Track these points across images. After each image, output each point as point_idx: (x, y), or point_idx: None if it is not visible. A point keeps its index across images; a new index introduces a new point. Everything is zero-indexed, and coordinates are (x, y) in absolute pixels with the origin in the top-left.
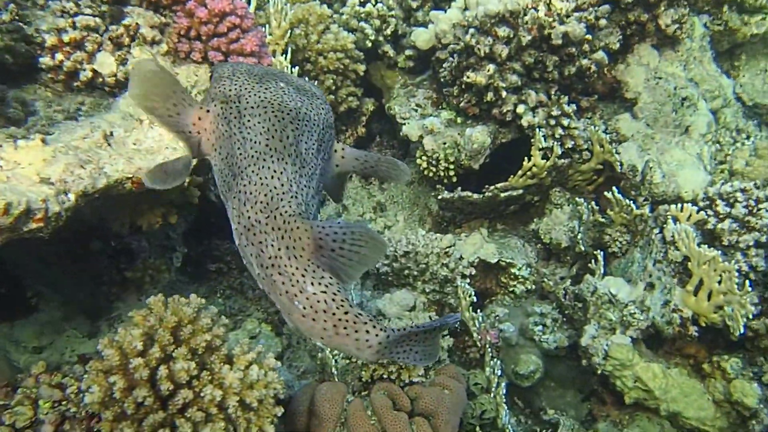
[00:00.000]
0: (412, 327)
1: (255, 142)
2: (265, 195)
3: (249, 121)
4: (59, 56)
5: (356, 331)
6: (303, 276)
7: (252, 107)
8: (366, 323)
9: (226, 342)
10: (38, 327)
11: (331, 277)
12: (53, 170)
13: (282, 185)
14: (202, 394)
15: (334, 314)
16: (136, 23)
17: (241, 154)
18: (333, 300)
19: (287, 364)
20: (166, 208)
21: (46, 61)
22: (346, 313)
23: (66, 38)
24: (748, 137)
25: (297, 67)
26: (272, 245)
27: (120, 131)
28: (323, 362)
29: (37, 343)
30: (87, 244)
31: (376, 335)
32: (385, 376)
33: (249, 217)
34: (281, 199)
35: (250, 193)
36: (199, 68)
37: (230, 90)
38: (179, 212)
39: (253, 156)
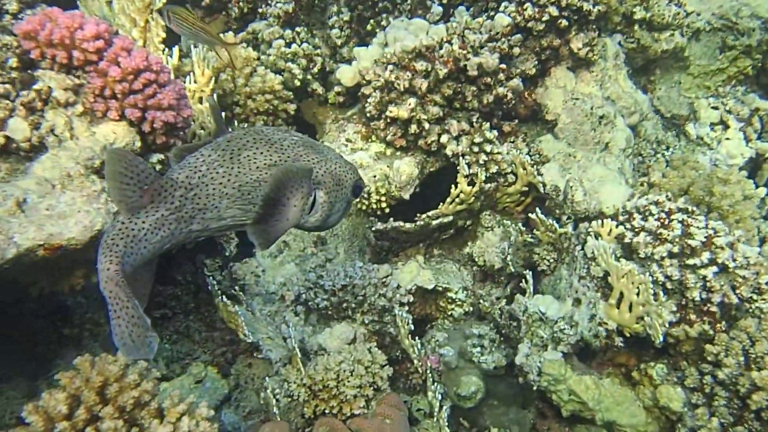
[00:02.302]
0: (131, 298)
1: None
2: (180, 167)
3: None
4: None
5: (102, 254)
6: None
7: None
8: (110, 249)
9: (156, 396)
10: None
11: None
12: None
13: (195, 162)
14: None
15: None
16: (48, 87)
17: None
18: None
19: (235, 405)
20: (86, 269)
21: None
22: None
23: None
24: (667, 148)
25: (224, 112)
26: None
27: (33, 197)
28: (266, 401)
29: None
30: (21, 306)
31: (107, 264)
32: (327, 411)
33: None
34: (180, 168)
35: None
36: (117, 126)
37: None
38: None
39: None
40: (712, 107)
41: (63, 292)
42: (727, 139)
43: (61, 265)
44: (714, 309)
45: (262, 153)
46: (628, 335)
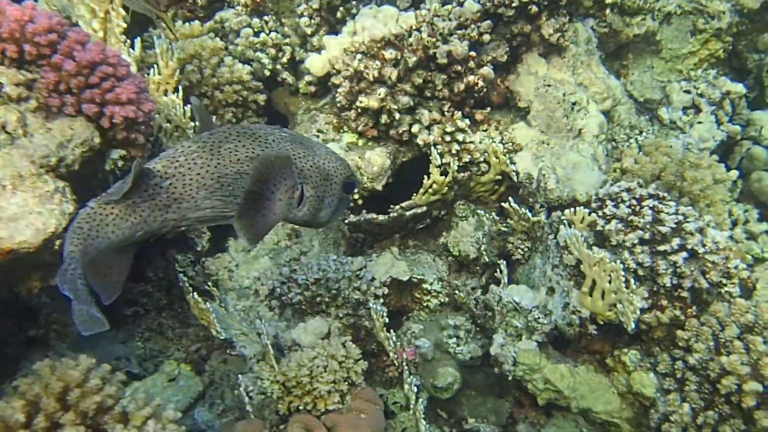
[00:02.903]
0: (83, 281)
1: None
2: (159, 157)
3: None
4: None
5: (67, 236)
6: None
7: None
8: (74, 231)
9: (121, 399)
10: None
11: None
12: None
13: (174, 153)
14: None
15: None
16: None
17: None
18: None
19: (209, 403)
20: (44, 271)
21: None
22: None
23: None
24: (640, 133)
25: (189, 105)
26: None
27: None
28: (239, 399)
29: None
30: None
31: (69, 246)
32: (301, 408)
33: None
34: (159, 158)
35: None
36: (74, 121)
37: None
38: None
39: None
40: (685, 91)
41: (20, 296)
42: (699, 122)
43: (15, 269)
44: (685, 294)
45: (244, 146)
46: (601, 323)
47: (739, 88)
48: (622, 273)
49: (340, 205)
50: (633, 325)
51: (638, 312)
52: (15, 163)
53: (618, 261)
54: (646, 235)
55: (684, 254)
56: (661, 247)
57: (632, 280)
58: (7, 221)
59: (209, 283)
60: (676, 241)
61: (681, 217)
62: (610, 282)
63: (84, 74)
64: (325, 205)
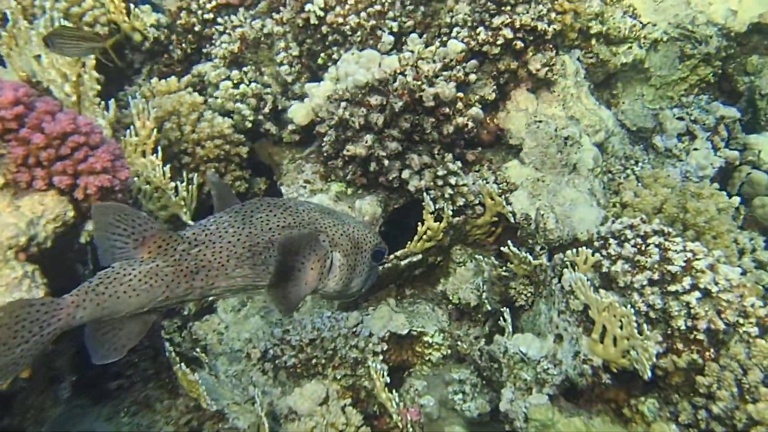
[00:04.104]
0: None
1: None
2: (192, 226)
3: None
4: None
5: None
6: None
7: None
8: (83, 284)
9: None
10: None
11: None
12: None
13: (206, 222)
14: None
15: None
16: None
17: None
18: None
19: None
20: None
21: None
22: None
23: None
24: (636, 162)
25: (171, 162)
26: None
27: None
28: None
29: None
30: None
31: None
32: None
33: None
34: (191, 227)
35: None
36: (45, 196)
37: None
38: None
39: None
40: (678, 118)
41: None
42: (695, 149)
43: None
44: (701, 337)
45: (275, 215)
46: (614, 371)
47: (733, 112)
48: (634, 317)
49: (370, 274)
50: (649, 374)
51: (654, 358)
52: None
53: (628, 304)
54: (655, 275)
55: (697, 294)
56: (672, 288)
57: (645, 324)
58: None
59: (198, 350)
60: (687, 281)
61: (690, 254)
62: (621, 327)
63: (54, 146)
64: (356, 274)
